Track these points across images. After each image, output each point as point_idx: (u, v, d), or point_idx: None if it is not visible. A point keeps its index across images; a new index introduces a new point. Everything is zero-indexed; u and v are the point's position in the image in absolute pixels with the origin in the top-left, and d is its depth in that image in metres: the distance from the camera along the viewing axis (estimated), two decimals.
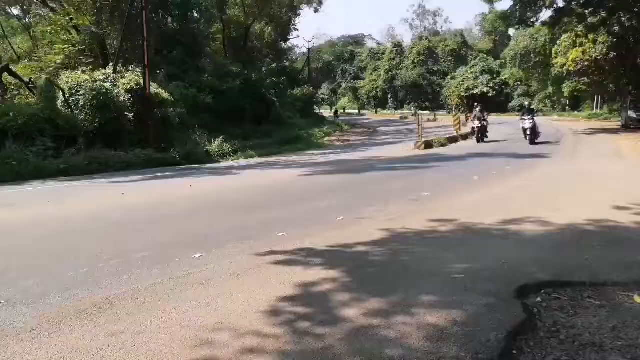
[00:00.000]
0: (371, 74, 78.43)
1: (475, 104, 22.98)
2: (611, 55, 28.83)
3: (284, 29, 42.33)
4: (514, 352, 2.55)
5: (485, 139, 19.81)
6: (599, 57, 29.17)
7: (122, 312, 3.26)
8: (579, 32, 29.31)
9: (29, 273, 4.24)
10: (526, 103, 19.68)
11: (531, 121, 17.68)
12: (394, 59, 73.86)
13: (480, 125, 19.73)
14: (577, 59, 30.33)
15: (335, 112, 55.45)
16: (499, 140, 19.80)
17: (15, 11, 32.57)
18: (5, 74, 18.01)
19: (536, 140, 17.60)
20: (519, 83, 56.14)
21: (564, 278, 3.62)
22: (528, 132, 17.67)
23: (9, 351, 2.73)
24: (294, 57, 61.31)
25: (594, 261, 4.01)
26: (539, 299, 3.27)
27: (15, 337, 2.92)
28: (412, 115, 48.11)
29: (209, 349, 2.66)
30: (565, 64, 31.75)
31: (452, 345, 2.60)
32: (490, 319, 2.91)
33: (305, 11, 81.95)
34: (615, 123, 27.89)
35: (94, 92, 16.19)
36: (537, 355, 2.52)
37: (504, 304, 3.15)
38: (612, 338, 2.67)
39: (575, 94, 40.09)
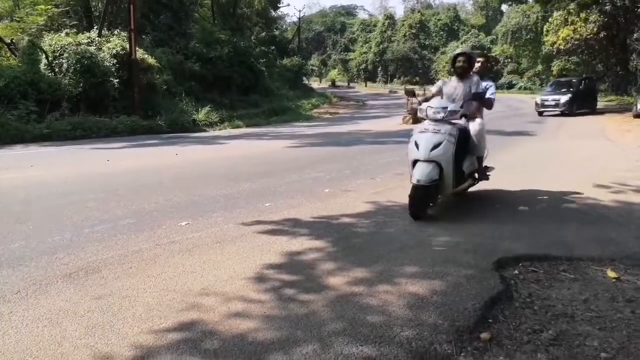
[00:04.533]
0: (362, 46, 77.57)
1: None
2: (601, 35, 28.82)
3: None
4: (490, 320, 2.66)
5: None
6: (589, 37, 29.14)
7: (108, 276, 3.29)
8: (570, 10, 29.18)
9: (14, 236, 4.23)
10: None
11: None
12: (385, 31, 73.02)
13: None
14: (567, 37, 30.26)
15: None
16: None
17: None
18: None
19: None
20: (509, 60, 56.08)
21: (541, 252, 3.74)
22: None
23: None
24: (284, 27, 60.27)
25: (571, 237, 4.14)
26: (516, 272, 3.39)
27: (2, 297, 2.94)
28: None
29: (195, 313, 2.72)
30: (555, 42, 31.67)
31: (431, 313, 2.69)
32: (469, 289, 3.01)
33: None
34: (601, 103, 28.14)
35: (78, 56, 15.82)
36: (511, 324, 2.63)
37: (482, 275, 3.25)
38: (583, 309, 2.79)
39: (564, 72, 40.25)
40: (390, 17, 75.86)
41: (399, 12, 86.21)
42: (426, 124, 4.80)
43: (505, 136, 13.48)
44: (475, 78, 5.20)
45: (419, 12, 73.66)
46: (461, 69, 5.15)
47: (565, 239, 4.09)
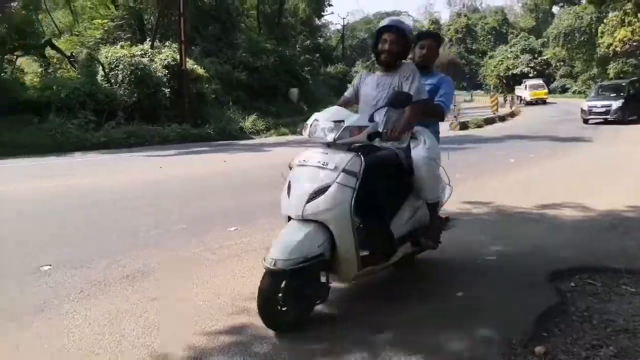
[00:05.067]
0: None
1: None
2: None
3: (318, 5, 41.77)
4: (545, 334, 2.57)
5: None
6: None
7: (163, 279, 3.43)
8: (627, 10, 27.82)
9: (73, 240, 4.48)
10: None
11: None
12: None
13: None
14: (624, 39, 28.85)
15: None
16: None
17: None
18: (48, 47, 18.57)
19: None
20: (562, 63, 53.95)
21: (599, 264, 3.57)
22: None
23: (61, 310, 2.93)
24: (328, 34, 60.69)
25: (632, 248, 3.93)
26: (572, 284, 3.25)
27: (67, 297, 3.12)
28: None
29: (245, 317, 2.78)
30: (611, 44, 30.25)
31: (482, 325, 2.63)
32: (522, 301, 2.92)
33: None
34: None
35: (132, 67, 16.55)
36: (568, 338, 2.52)
37: (536, 287, 3.14)
38: None
39: (621, 76, 38.33)
40: (435, 22, 74.85)
41: (445, 17, 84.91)
42: (309, 152, 2.75)
43: (559, 142, 13.00)
44: (410, 69, 3.06)
45: (465, 15, 72.35)
46: (387, 55, 3.07)
47: (626, 250, 3.89)
